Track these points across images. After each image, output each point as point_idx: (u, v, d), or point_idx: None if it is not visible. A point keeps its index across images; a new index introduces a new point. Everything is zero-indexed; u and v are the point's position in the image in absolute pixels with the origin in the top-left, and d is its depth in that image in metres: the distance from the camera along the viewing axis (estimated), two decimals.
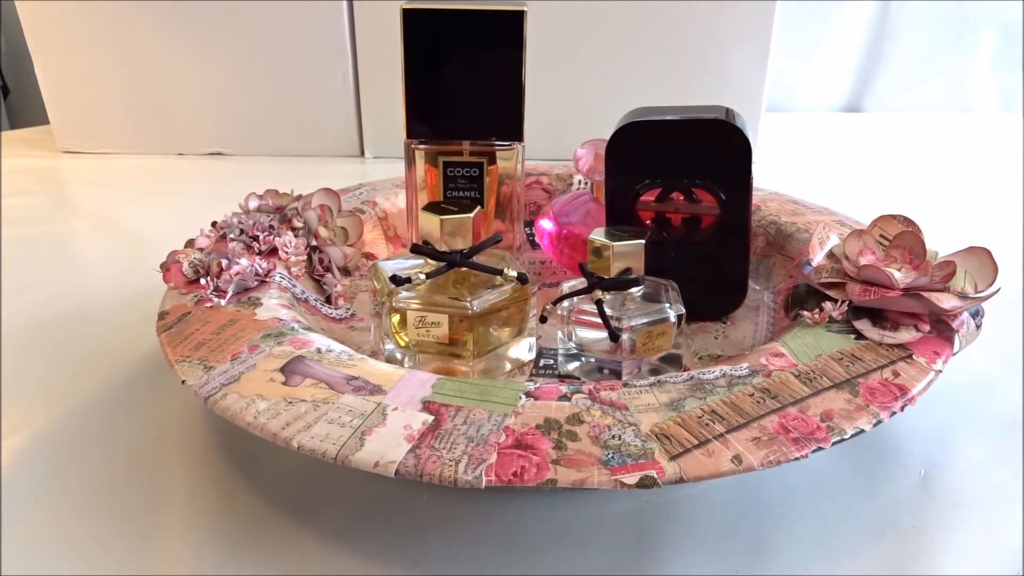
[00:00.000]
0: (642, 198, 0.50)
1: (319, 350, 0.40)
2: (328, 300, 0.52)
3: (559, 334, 0.45)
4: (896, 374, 0.37)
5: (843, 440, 0.33)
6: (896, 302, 0.41)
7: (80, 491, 0.39)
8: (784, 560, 0.35)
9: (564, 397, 0.36)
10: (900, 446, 0.42)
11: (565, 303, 0.44)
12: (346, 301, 0.53)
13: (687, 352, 0.47)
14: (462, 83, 0.52)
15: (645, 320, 0.43)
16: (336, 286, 0.53)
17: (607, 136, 0.49)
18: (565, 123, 0.88)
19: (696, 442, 0.33)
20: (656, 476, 0.31)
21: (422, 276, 0.44)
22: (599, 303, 0.42)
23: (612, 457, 0.32)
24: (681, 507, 0.38)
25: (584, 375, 0.44)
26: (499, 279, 0.45)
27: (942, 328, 0.41)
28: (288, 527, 0.37)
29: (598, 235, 0.44)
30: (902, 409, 0.35)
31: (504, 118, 0.53)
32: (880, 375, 0.37)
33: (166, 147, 1.02)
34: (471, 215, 0.45)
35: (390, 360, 0.45)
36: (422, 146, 0.54)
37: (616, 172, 0.49)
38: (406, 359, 0.45)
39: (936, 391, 0.38)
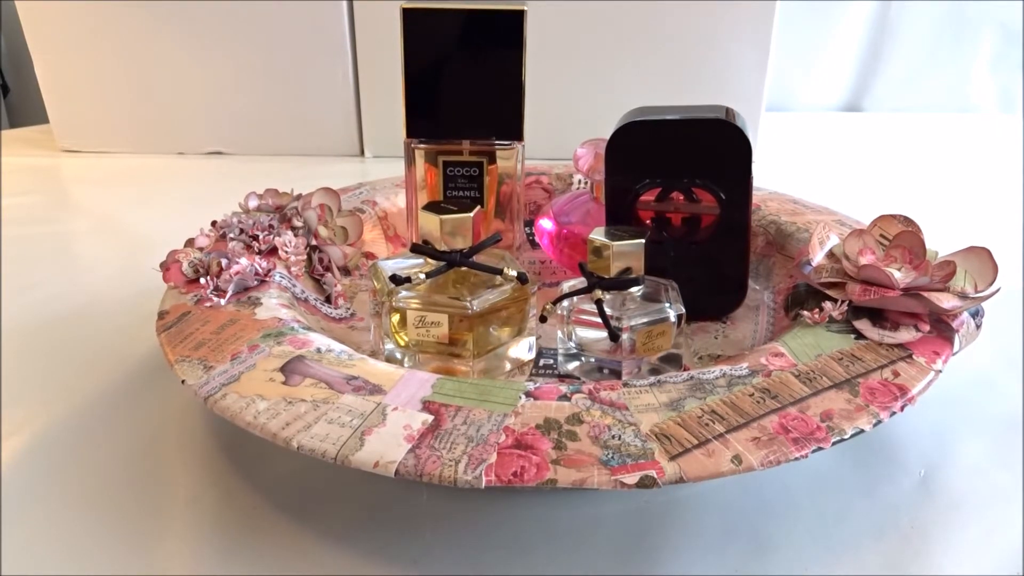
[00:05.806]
0: (642, 198, 0.50)
1: (319, 350, 0.40)
2: (328, 300, 0.52)
3: (559, 334, 0.45)
4: (896, 374, 0.37)
5: (843, 440, 0.33)
6: (896, 302, 0.41)
7: (80, 491, 0.39)
8: (784, 560, 0.35)
9: (564, 397, 0.36)
10: (900, 446, 0.42)
11: (565, 303, 0.44)
12: (346, 301, 0.53)
13: (687, 352, 0.47)
14: (462, 83, 0.52)
15: (645, 320, 0.42)
16: (336, 286, 0.53)
17: (607, 136, 0.49)
18: (565, 123, 0.88)
19: (696, 442, 0.33)
20: (656, 476, 0.31)
21: (422, 276, 0.44)
22: (599, 303, 0.42)
23: (612, 457, 0.32)
24: (681, 507, 0.38)
25: (584, 375, 0.44)
26: (499, 279, 0.45)
27: (942, 328, 0.41)
28: (288, 527, 0.37)
29: (598, 235, 0.44)
30: (902, 409, 0.35)
31: (504, 117, 0.53)
32: (880, 375, 0.37)
33: (166, 147, 1.02)
34: (471, 215, 0.45)
35: (390, 360, 0.45)
36: (422, 145, 0.54)
37: (616, 172, 0.49)
38: (406, 359, 0.45)
39: (936, 391, 0.38)
